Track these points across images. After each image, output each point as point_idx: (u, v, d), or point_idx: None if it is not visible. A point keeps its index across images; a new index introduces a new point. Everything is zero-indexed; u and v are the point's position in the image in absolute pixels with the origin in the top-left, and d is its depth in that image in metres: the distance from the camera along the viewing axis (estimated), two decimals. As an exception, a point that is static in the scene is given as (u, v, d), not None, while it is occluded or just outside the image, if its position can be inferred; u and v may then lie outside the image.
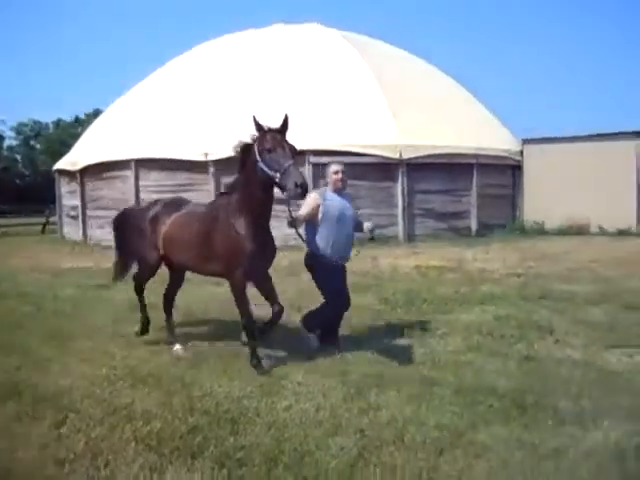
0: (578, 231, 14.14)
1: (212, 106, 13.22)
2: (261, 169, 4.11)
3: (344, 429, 3.23)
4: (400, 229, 13.18)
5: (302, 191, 3.91)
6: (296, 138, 15.02)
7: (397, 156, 12.74)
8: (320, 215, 4.75)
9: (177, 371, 4.33)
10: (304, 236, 4.96)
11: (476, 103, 16.79)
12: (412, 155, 12.93)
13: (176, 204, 5.07)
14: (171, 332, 5.11)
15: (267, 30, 16.45)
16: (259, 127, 4.21)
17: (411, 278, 8.32)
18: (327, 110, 12.79)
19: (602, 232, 14.04)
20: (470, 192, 14.16)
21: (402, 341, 5.08)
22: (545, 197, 14.61)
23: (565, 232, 14.19)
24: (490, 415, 3.39)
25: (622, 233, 13.76)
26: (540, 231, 14.46)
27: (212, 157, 12.55)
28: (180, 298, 7.09)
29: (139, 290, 5.29)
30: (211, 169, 12.73)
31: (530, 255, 10.38)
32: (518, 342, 4.93)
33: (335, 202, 4.81)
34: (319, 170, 12.30)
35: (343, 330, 5.20)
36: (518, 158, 15.47)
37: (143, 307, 5.28)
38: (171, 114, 13.62)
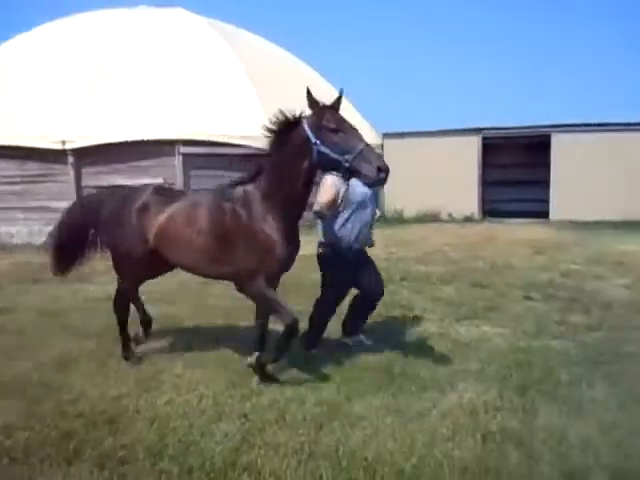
0: (432, 219, 15.56)
1: (70, 89, 12.11)
2: (320, 152, 3.47)
3: (228, 415, 3.31)
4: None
5: (385, 176, 3.34)
6: (165, 127, 14.41)
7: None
8: (340, 200, 4.26)
9: (41, 376, 4.01)
10: (320, 225, 4.47)
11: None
12: (282, 147, 13.17)
13: (172, 192, 4.32)
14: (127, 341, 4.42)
15: (131, 11, 15.47)
16: (313, 102, 3.55)
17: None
18: (196, 99, 12.46)
19: (451, 219, 15.64)
20: (337, 183, 14.84)
21: (277, 327, 5.23)
22: (403, 188, 15.80)
23: (421, 220, 15.52)
24: (363, 388, 3.70)
25: (467, 220, 15.47)
26: (400, 219, 15.65)
27: (70, 145, 11.57)
28: (36, 297, 6.56)
29: (129, 298, 4.45)
30: (70, 159, 11.73)
31: (392, 241, 11.20)
32: (384, 320, 5.37)
33: (358, 185, 4.24)
34: (189, 161, 12.01)
35: (219, 319, 5.22)
36: (379, 151, 16.55)
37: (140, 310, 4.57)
38: (18, 96, 12.22)
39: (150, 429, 3.16)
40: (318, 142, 3.47)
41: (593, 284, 6.97)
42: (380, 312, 5.64)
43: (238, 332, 5.01)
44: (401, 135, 16.72)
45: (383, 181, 3.37)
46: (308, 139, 3.51)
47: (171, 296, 6.40)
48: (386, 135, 16.86)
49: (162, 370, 4.08)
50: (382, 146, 16.58)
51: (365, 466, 2.76)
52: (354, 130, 3.47)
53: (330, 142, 3.44)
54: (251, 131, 12.71)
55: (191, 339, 4.81)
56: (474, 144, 15.99)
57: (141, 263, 4.16)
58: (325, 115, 3.49)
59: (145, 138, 11.55)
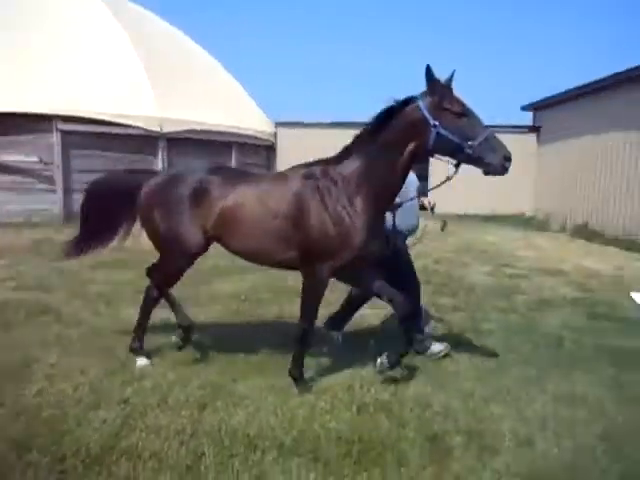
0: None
1: None
2: (440, 135, 3.22)
3: (107, 402, 3.21)
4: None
5: (509, 166, 3.18)
6: (41, 100, 13.36)
7: (157, 129, 12.39)
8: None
9: None
10: None
11: (234, 83, 17.28)
12: (173, 129, 12.73)
13: (233, 171, 3.87)
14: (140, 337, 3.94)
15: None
16: (433, 80, 3.24)
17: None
18: (79, 74, 11.59)
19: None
20: (229, 170, 14.68)
21: (164, 314, 5.13)
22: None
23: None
24: (248, 369, 3.78)
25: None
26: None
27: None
28: None
29: (167, 286, 3.96)
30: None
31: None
32: (271, 305, 5.49)
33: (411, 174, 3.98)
34: (69, 139, 11.18)
35: (97, 305, 4.98)
36: (272, 139, 16.62)
37: (176, 307, 4.06)
38: None
39: (16, 421, 2.97)
40: (437, 124, 3.23)
41: (460, 271, 7.68)
42: (268, 297, 5.77)
43: (118, 318, 4.84)
44: (294, 125, 16.93)
45: (506, 171, 3.23)
46: (425, 120, 3.25)
47: (46, 282, 6.00)
48: (279, 124, 16.96)
49: (33, 360, 3.83)
50: (275, 135, 16.67)
51: (247, 442, 2.85)
52: (477, 115, 3.28)
53: (452, 125, 3.22)
54: (139, 110, 12.16)
55: (68, 327, 4.56)
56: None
57: (194, 254, 3.71)
58: (446, 95, 3.24)
59: (17, 110, 10.56)
